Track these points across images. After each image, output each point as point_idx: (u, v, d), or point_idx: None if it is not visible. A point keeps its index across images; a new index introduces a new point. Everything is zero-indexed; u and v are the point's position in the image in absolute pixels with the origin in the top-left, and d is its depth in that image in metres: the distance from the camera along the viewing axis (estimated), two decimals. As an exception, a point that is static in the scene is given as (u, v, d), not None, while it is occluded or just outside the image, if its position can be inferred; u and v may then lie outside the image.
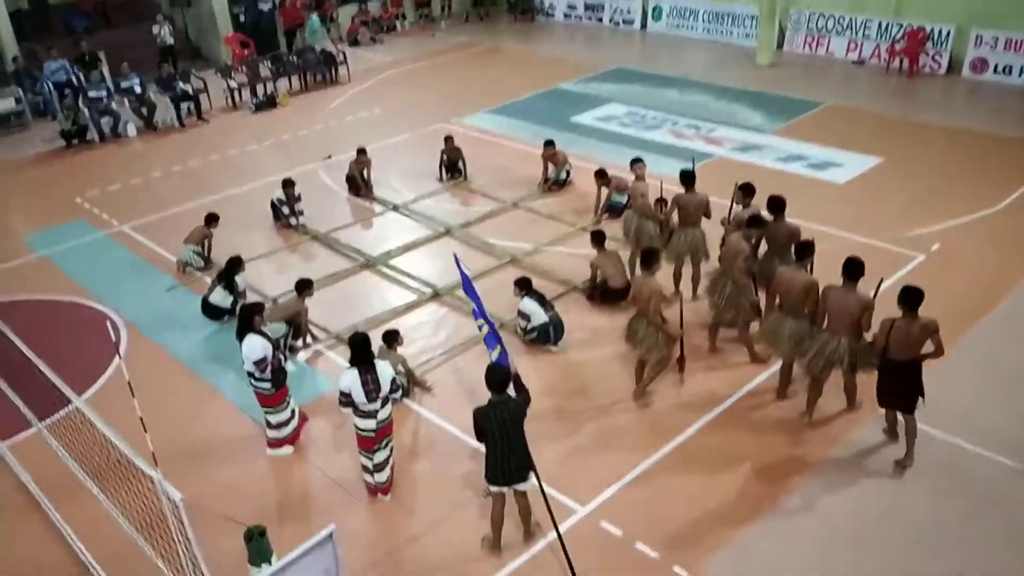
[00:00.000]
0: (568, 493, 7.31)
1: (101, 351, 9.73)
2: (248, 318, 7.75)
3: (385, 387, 6.95)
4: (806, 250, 8.20)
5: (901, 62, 18.62)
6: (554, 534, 6.60)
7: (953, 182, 12.97)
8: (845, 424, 8.03)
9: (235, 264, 10.32)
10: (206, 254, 11.75)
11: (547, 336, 9.33)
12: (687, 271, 10.07)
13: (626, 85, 19.00)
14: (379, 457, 7.25)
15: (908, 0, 19.01)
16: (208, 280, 10.88)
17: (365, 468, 7.38)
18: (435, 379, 9.05)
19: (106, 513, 7.05)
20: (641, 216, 10.30)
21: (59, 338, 10.19)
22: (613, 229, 11.10)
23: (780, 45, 20.65)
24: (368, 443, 7.18)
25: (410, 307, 10.50)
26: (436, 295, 10.71)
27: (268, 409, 7.86)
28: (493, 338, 7.98)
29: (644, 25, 23.69)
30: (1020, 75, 17.28)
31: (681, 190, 9.76)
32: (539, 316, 9.26)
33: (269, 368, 7.60)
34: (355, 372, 6.92)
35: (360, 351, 6.97)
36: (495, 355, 7.81)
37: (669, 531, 6.91)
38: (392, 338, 8.65)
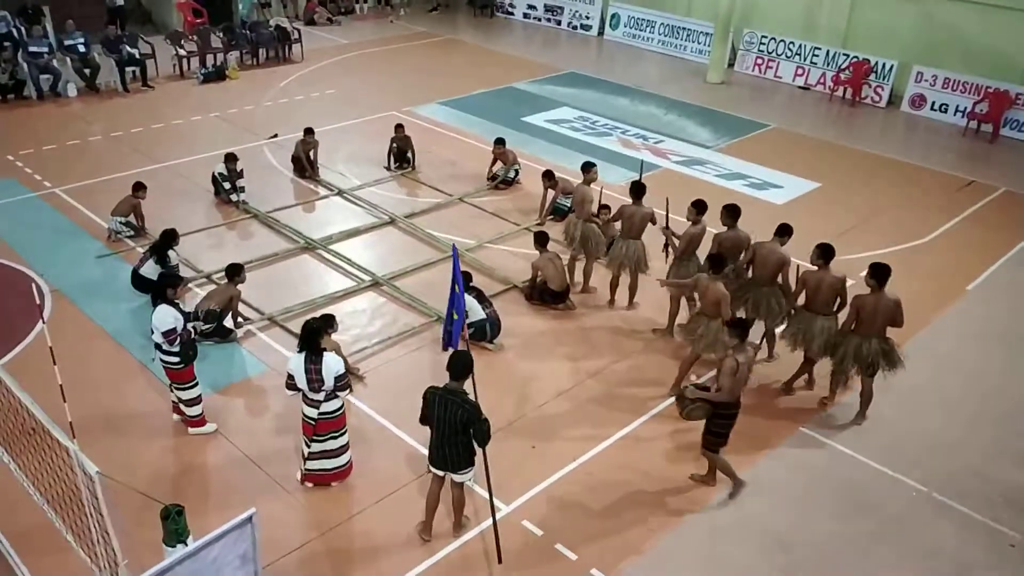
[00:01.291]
0: (492, 490, 7.35)
1: (24, 315, 9.42)
2: (162, 288, 7.59)
3: (328, 382, 6.85)
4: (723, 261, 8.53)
5: (844, 91, 19.16)
6: (483, 526, 6.65)
7: (886, 212, 13.42)
8: (767, 437, 8.26)
9: (169, 237, 10.10)
10: (138, 223, 11.46)
11: (484, 333, 9.37)
12: (624, 280, 10.22)
13: (579, 90, 19.15)
14: (318, 447, 7.18)
15: (855, 32, 19.59)
16: (141, 250, 10.63)
17: (302, 453, 7.32)
18: (368, 368, 9.01)
19: (16, 482, 6.85)
20: (585, 222, 10.40)
21: (-21, 299, 9.87)
22: (556, 231, 11.20)
23: (731, 64, 21.05)
24: (308, 430, 7.13)
25: (348, 294, 10.43)
26: (375, 284, 10.66)
27: (177, 385, 7.73)
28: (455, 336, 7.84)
29: (601, 32, 23.89)
30: (955, 114, 17.94)
31: (628, 200, 9.91)
32: (477, 312, 9.29)
33: (178, 341, 7.46)
34: (301, 358, 6.86)
35: (307, 339, 6.88)
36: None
37: (589, 534, 7.02)
38: (328, 323, 8.56)
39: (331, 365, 6.85)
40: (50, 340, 6.03)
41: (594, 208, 10.58)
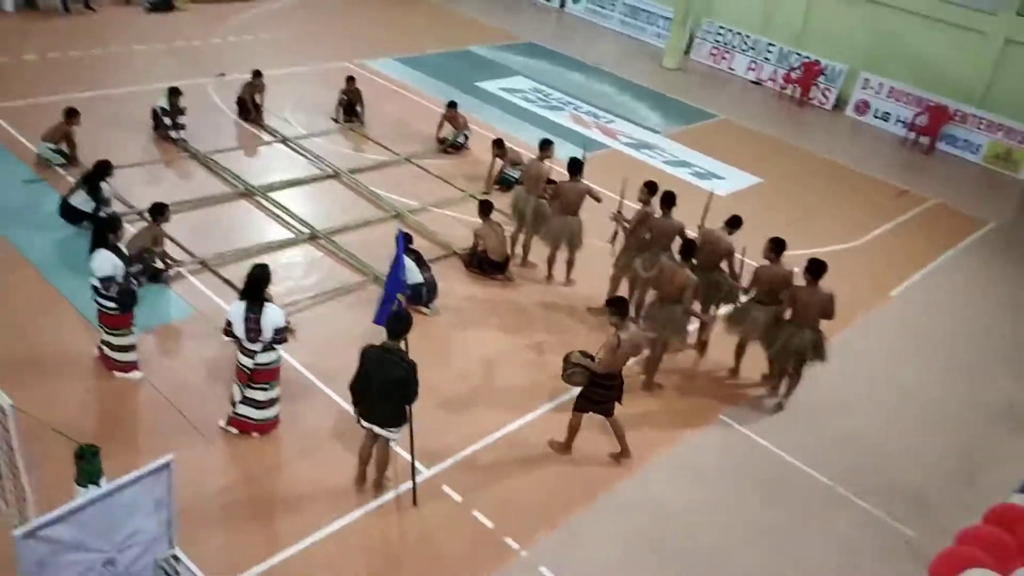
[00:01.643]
0: (414, 453, 7.39)
1: (-60, 236, 9.05)
2: (103, 233, 7.35)
3: (267, 333, 6.77)
4: (694, 249, 8.61)
5: (794, 90, 19.50)
6: (401, 489, 6.69)
7: (823, 212, 13.77)
8: (687, 421, 8.47)
9: (103, 168, 9.78)
10: (69, 152, 11.04)
11: (420, 297, 9.33)
12: (561, 255, 10.28)
13: (536, 61, 19.06)
14: (252, 394, 7.11)
15: (810, 33, 19.92)
16: (71, 179, 10.26)
17: (232, 399, 7.25)
18: (300, 322, 8.89)
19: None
20: (537, 198, 10.33)
21: None
22: (501, 202, 11.18)
23: (688, 51, 21.20)
24: (242, 378, 7.06)
25: (284, 245, 10.27)
26: (313, 237, 10.51)
27: (110, 330, 7.50)
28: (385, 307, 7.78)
29: (563, 5, 23.76)
30: (896, 123, 18.44)
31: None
32: (414, 275, 9.24)
33: (115, 288, 7.25)
34: (242, 307, 6.75)
35: (251, 287, 6.77)
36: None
37: (507, 504, 7.12)
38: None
39: (271, 317, 6.77)
40: (-32, 265, 5.81)
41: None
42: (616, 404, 7.60)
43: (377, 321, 7.84)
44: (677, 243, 9.20)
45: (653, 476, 7.74)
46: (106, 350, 7.65)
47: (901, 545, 7.43)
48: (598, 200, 9.99)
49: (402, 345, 6.45)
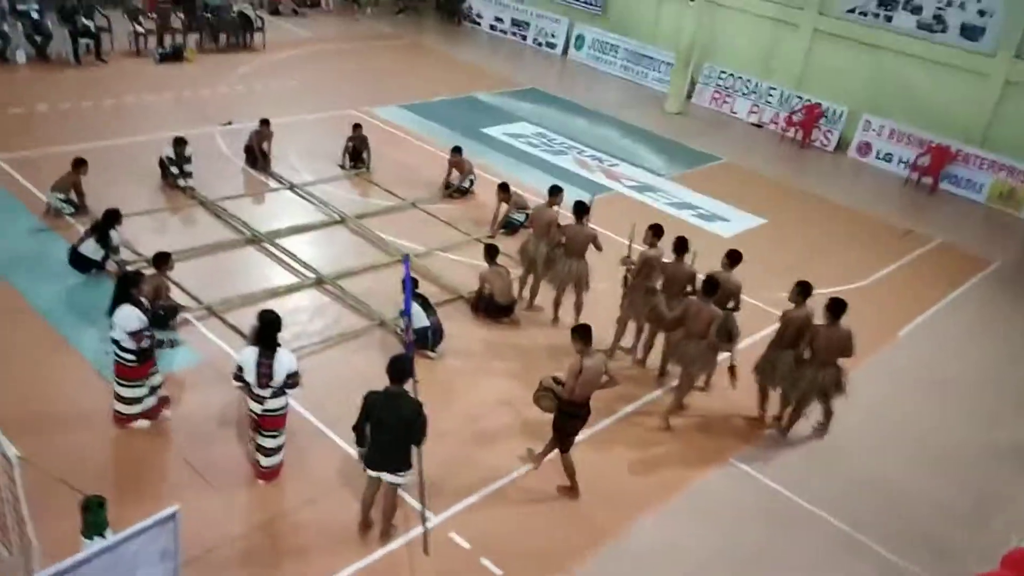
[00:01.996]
0: (425, 500, 7.33)
1: (-51, 285, 9.10)
2: (126, 288, 7.35)
3: (278, 378, 6.76)
4: (717, 287, 8.62)
5: (796, 132, 19.65)
6: (410, 535, 6.62)
7: (827, 253, 13.78)
8: (697, 465, 8.39)
9: (112, 217, 9.88)
10: (78, 200, 11.15)
11: (426, 341, 9.33)
12: (568, 298, 10.27)
13: (539, 106, 19.27)
14: (262, 441, 7.10)
15: (810, 76, 20.13)
16: (81, 228, 10.34)
17: (250, 447, 7.26)
18: (306, 367, 8.86)
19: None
20: (548, 244, 10.26)
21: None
22: (506, 245, 11.22)
23: (690, 95, 21.42)
24: (252, 424, 7.05)
25: (290, 290, 10.30)
26: (319, 282, 10.54)
27: (125, 382, 7.46)
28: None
29: (566, 51, 24.09)
30: (898, 164, 18.54)
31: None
32: (420, 319, 9.25)
33: (146, 340, 7.29)
34: (254, 352, 6.74)
35: (265, 332, 6.77)
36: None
37: (516, 551, 7.03)
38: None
39: (284, 362, 6.76)
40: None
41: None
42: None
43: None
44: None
45: (665, 521, 7.64)
46: (115, 403, 7.60)
47: (918, 591, 7.32)
48: (599, 249, 9.99)
49: (407, 388, 6.44)
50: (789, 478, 8.42)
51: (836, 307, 8.44)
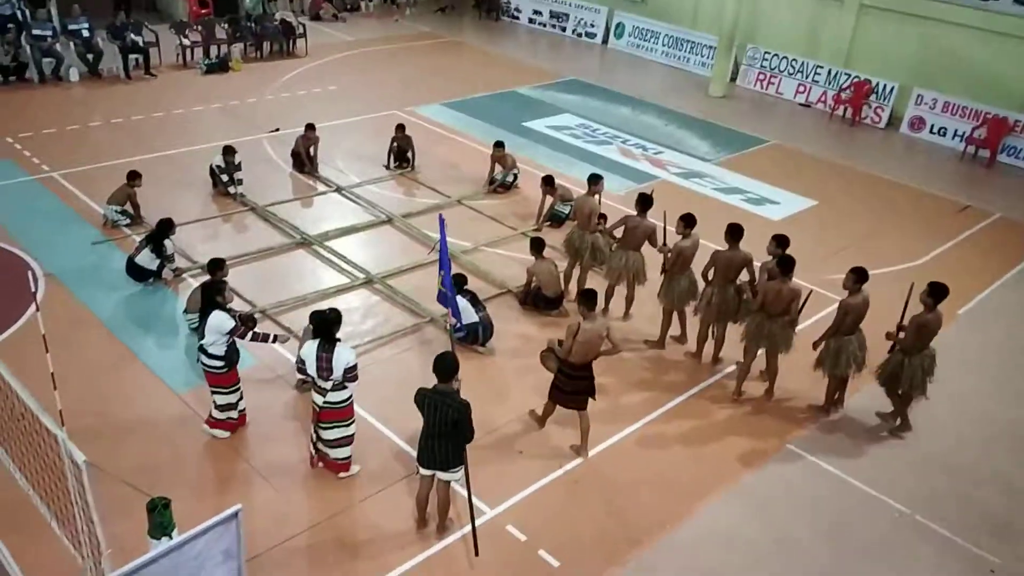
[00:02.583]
0: (477, 494, 7.38)
1: (16, 298, 9.42)
2: (212, 295, 7.52)
3: (336, 372, 6.94)
4: (792, 264, 8.57)
5: (845, 110, 19.25)
6: (466, 529, 6.67)
7: (880, 233, 13.49)
8: (753, 452, 8.30)
9: (165, 227, 10.13)
10: (133, 212, 11.46)
11: (476, 336, 9.39)
12: (620, 290, 10.24)
13: (581, 97, 19.19)
14: (323, 433, 7.30)
15: (858, 53, 19.68)
16: (137, 238, 10.63)
17: (311, 436, 7.46)
18: (358, 366, 9.00)
19: (2, 466, 6.84)
20: (591, 233, 10.33)
21: (-28, 280, 9.86)
22: (552, 238, 11.21)
23: (734, 78, 21.13)
24: (313, 416, 7.26)
25: (341, 291, 10.44)
26: (369, 282, 10.67)
27: (217, 389, 7.65)
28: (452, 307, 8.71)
29: (606, 40, 23.95)
30: (953, 138, 18.04)
31: (627, 209, 9.93)
32: (470, 315, 9.30)
33: (245, 333, 7.56)
34: (315, 346, 6.98)
35: (322, 327, 7.02)
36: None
37: (572, 541, 7.04)
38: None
39: (342, 356, 6.96)
40: (43, 327, 6.03)
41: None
42: (588, 400, 7.86)
43: (439, 300, 9.13)
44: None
45: (721, 509, 7.58)
46: (212, 408, 7.78)
47: (986, 573, 7.13)
48: (653, 245, 9.87)
49: (455, 385, 6.50)
50: (847, 462, 8.28)
51: (938, 292, 8.29)
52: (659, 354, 9.75)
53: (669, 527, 7.31)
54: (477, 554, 6.79)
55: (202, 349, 7.48)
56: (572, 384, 7.76)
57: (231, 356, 7.58)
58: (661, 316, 9.79)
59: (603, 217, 10.60)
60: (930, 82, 18.47)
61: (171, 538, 5.60)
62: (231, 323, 7.41)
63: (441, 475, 6.69)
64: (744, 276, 9.20)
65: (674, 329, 9.91)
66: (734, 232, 9.12)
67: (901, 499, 7.86)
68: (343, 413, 7.24)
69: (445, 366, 6.47)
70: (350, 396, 7.21)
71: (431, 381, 6.51)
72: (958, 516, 7.71)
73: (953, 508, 7.81)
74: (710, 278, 9.24)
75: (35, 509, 6.47)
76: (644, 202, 9.83)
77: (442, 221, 8.85)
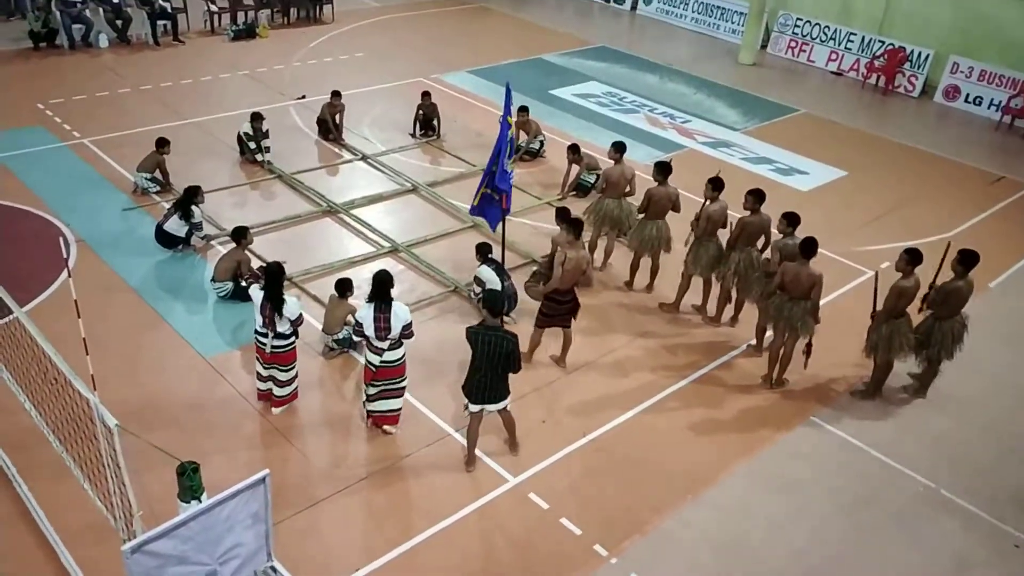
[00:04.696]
0: (501, 462, 7.46)
1: (48, 263, 9.58)
2: (279, 282, 7.50)
3: (395, 330, 7.16)
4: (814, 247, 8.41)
5: (878, 79, 18.89)
6: (490, 496, 6.75)
7: (912, 204, 13.29)
8: (777, 423, 8.30)
9: (193, 193, 10.19)
10: (163, 179, 11.55)
11: (500, 305, 9.38)
12: (646, 261, 10.19)
13: (609, 65, 18.98)
14: (374, 390, 7.51)
15: (893, 20, 19.28)
16: (166, 205, 10.73)
17: (362, 398, 7.69)
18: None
19: (37, 428, 7.00)
20: (620, 200, 10.31)
21: (5, 245, 9.99)
22: (577, 208, 11.13)
23: (764, 46, 20.79)
24: (368, 375, 7.44)
25: (367, 259, 10.49)
26: (394, 250, 10.71)
27: (282, 366, 7.72)
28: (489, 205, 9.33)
29: (635, 7, 23.62)
30: (988, 107, 17.67)
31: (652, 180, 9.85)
32: (495, 284, 9.30)
33: (302, 322, 7.64)
34: (371, 308, 7.15)
35: (378, 288, 7.17)
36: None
37: (595, 510, 7.10)
38: (345, 288, 8.67)
39: (400, 314, 7.18)
40: (75, 293, 6.12)
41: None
42: (572, 319, 8.59)
43: (473, 211, 9.75)
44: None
45: (744, 480, 7.60)
46: (274, 388, 7.83)
47: (1010, 549, 7.11)
48: (677, 211, 9.85)
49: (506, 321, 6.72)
50: (871, 435, 8.25)
51: (968, 259, 8.21)
52: (683, 327, 9.72)
53: (691, 496, 7.35)
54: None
55: (279, 335, 7.50)
56: (557, 308, 8.42)
57: (296, 333, 7.71)
58: (680, 280, 9.79)
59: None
60: (966, 50, 18.06)
61: (200, 502, 5.71)
62: (299, 310, 7.54)
63: (489, 407, 7.08)
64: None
65: (695, 298, 9.87)
66: (757, 196, 9.10)
67: (926, 473, 7.83)
68: (399, 371, 7.47)
69: (495, 302, 6.90)
70: (404, 354, 7.43)
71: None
72: (983, 490, 7.67)
73: (979, 482, 7.77)
74: (735, 246, 9.22)
75: (68, 471, 6.62)
76: (663, 170, 9.76)
77: (508, 90, 9.51)
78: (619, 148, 10.44)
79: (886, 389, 8.84)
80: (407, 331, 7.27)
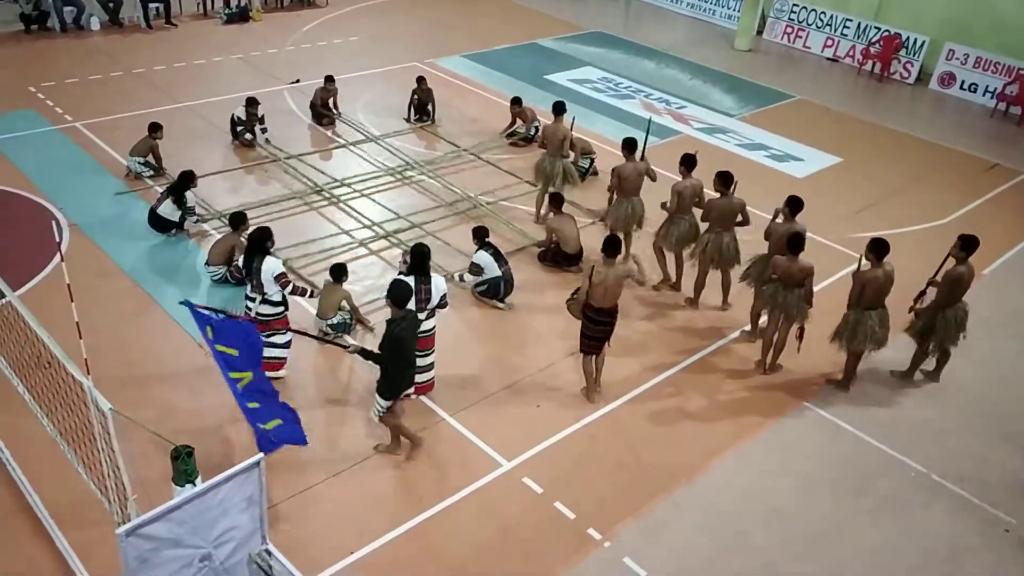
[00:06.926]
0: (494, 446, 7.47)
1: (41, 247, 9.53)
2: (261, 243, 7.66)
3: (434, 300, 7.48)
4: (801, 243, 8.40)
5: (873, 65, 18.86)
6: (484, 480, 6.76)
7: (905, 191, 13.30)
8: (770, 410, 8.33)
9: (187, 178, 10.16)
10: (156, 163, 11.49)
11: (497, 291, 9.40)
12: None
13: (604, 50, 18.91)
14: (420, 361, 7.62)
15: (889, 6, 19.22)
16: (159, 190, 10.68)
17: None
18: (377, 319, 9.07)
19: (30, 412, 6.98)
20: (559, 158, 10.83)
21: (-2, 229, 9.98)
22: (573, 194, 11.13)
23: (760, 31, 20.73)
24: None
25: (360, 243, 10.46)
26: (389, 235, 10.68)
27: (276, 331, 7.81)
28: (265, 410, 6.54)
29: (630, -9, 23.53)
30: (984, 94, 17.66)
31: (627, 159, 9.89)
32: (492, 270, 9.31)
33: (289, 285, 7.69)
34: (411, 280, 7.30)
35: (419, 262, 7.44)
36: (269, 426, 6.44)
37: (588, 494, 7.13)
38: (340, 273, 8.66)
39: (439, 285, 7.51)
40: (68, 277, 6.10)
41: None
42: (606, 344, 8.05)
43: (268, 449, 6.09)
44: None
45: (737, 465, 7.62)
46: (272, 351, 7.87)
47: (1001, 533, 7.15)
48: (653, 179, 9.96)
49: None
50: (864, 420, 8.29)
51: (969, 244, 8.23)
52: (676, 310, 9.73)
53: (685, 480, 7.38)
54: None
55: (265, 300, 7.60)
56: (601, 330, 7.93)
57: (286, 298, 7.81)
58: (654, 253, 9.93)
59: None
60: (962, 37, 18.03)
61: (195, 485, 5.72)
62: (281, 268, 7.64)
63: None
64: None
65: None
66: (724, 179, 9.16)
67: (918, 458, 7.87)
68: (431, 341, 7.76)
69: (400, 292, 6.73)
70: (435, 326, 7.72)
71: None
72: (975, 476, 7.71)
73: (970, 468, 7.81)
74: (707, 226, 9.37)
75: (62, 455, 6.61)
76: (630, 146, 9.83)
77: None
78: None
79: (880, 375, 8.87)
80: (444, 300, 7.58)
